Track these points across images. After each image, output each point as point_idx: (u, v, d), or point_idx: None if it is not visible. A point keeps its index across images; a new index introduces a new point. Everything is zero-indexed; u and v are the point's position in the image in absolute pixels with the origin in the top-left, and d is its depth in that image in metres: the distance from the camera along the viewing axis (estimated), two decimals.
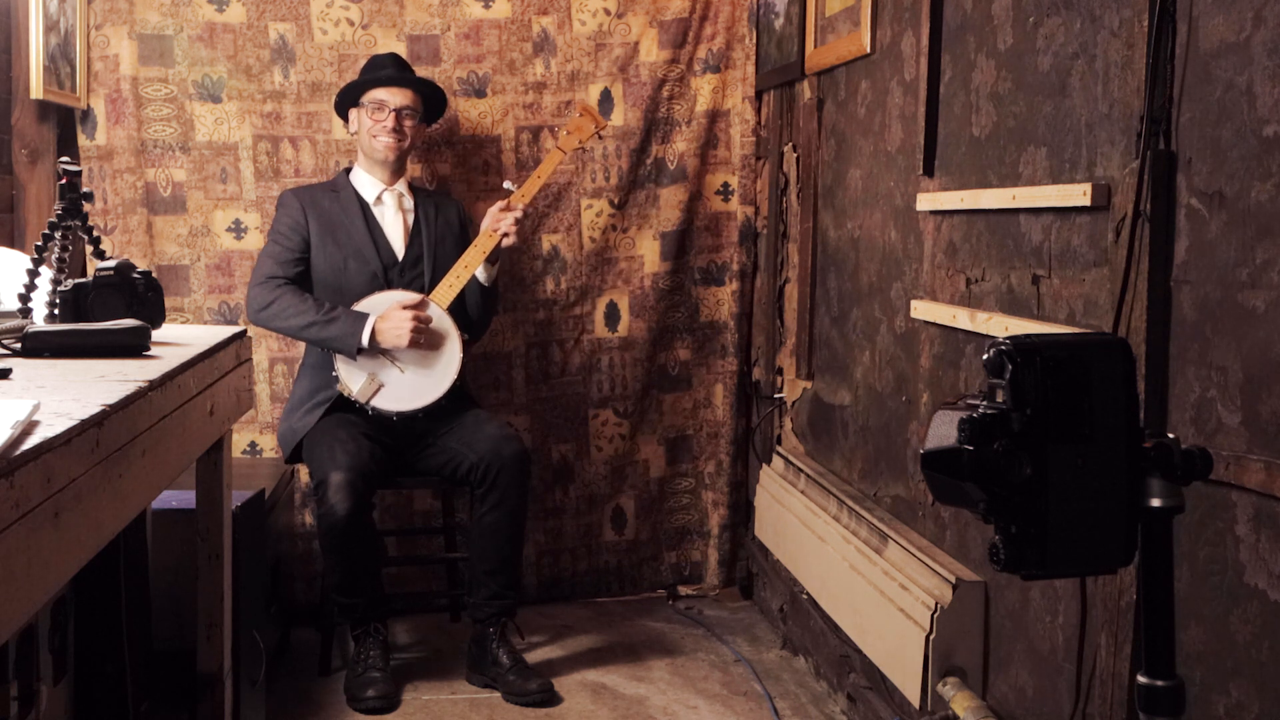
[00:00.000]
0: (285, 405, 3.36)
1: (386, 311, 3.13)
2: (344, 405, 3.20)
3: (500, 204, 3.26)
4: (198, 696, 2.30)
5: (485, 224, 3.27)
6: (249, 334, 2.37)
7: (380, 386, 3.14)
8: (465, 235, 3.43)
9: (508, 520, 3.18)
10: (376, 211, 3.33)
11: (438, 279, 3.27)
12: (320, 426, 3.16)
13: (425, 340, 3.15)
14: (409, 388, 3.17)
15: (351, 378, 3.14)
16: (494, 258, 3.29)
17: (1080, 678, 1.95)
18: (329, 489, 3.00)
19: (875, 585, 2.59)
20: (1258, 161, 1.55)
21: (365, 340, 3.09)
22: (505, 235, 3.24)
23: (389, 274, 3.29)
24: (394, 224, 3.35)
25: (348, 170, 3.41)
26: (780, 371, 3.71)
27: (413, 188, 3.44)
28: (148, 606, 2.53)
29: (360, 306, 3.18)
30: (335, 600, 3.13)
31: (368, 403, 3.13)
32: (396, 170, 3.36)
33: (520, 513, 3.22)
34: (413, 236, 3.35)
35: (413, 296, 3.18)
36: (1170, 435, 1.27)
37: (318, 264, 3.27)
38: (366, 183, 3.36)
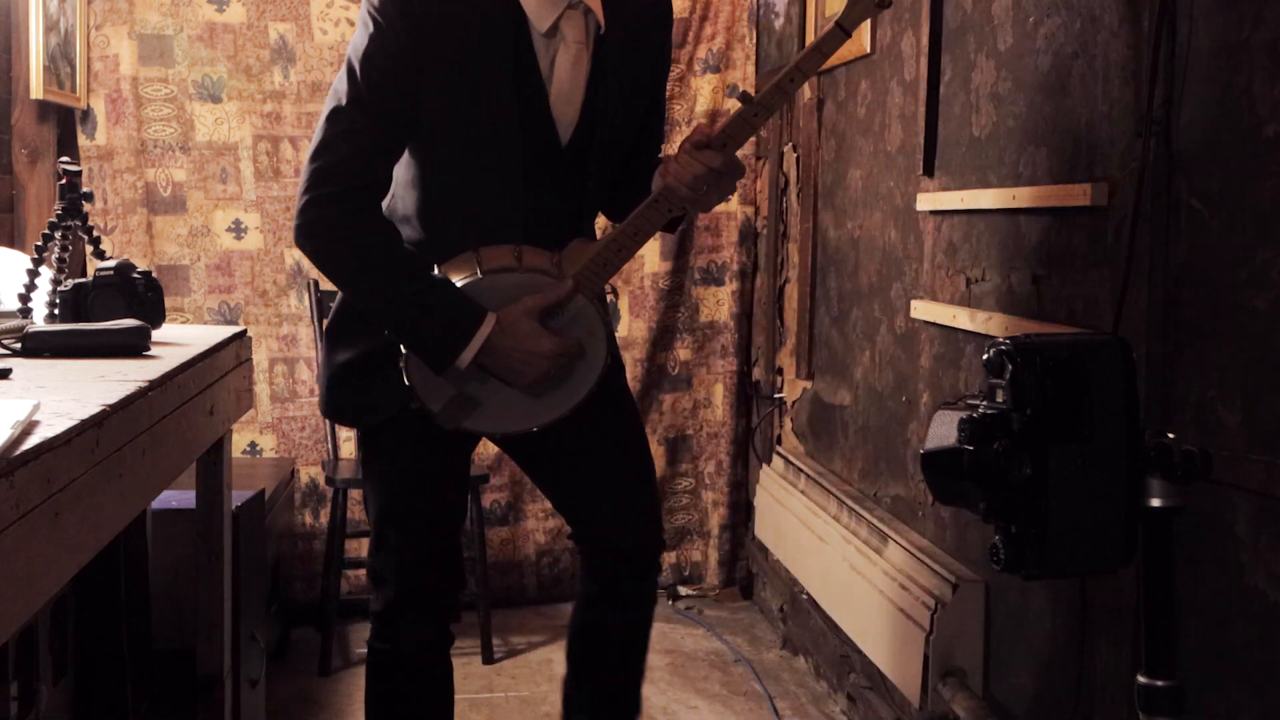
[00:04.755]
0: (323, 353, 2.02)
1: (508, 322, 1.84)
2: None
3: (703, 131, 1.86)
4: (198, 696, 2.30)
5: (671, 180, 1.87)
6: (249, 334, 2.37)
7: (474, 408, 1.92)
8: (659, 86, 2.11)
9: (629, 632, 2.12)
10: (545, 50, 1.88)
11: (604, 173, 2.00)
12: (387, 458, 1.99)
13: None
14: (520, 405, 1.93)
15: (431, 390, 1.89)
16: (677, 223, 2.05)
17: (1080, 678, 1.95)
18: (400, 609, 1.98)
19: (875, 585, 2.59)
20: (1258, 161, 1.55)
21: (466, 362, 1.85)
22: (694, 192, 1.86)
23: (534, 167, 1.90)
24: (569, 76, 1.90)
25: None
26: (780, 371, 3.71)
27: None
28: (148, 606, 2.53)
29: (466, 281, 1.85)
30: None
31: (454, 427, 1.93)
32: None
33: (646, 621, 2.14)
34: (590, 97, 1.92)
35: (552, 290, 1.88)
36: (1170, 435, 1.28)
37: (421, 146, 1.90)
38: None
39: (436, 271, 1.88)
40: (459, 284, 1.86)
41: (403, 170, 1.91)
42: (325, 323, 2.02)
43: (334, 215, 1.81)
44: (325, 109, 1.83)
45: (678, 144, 2.45)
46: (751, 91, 1.90)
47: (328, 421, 3.43)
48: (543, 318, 1.87)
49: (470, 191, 1.91)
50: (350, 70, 1.83)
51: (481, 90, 1.84)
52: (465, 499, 2.10)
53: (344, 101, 1.81)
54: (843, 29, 1.83)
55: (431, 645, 2.02)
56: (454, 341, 1.83)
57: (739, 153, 1.91)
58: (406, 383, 1.88)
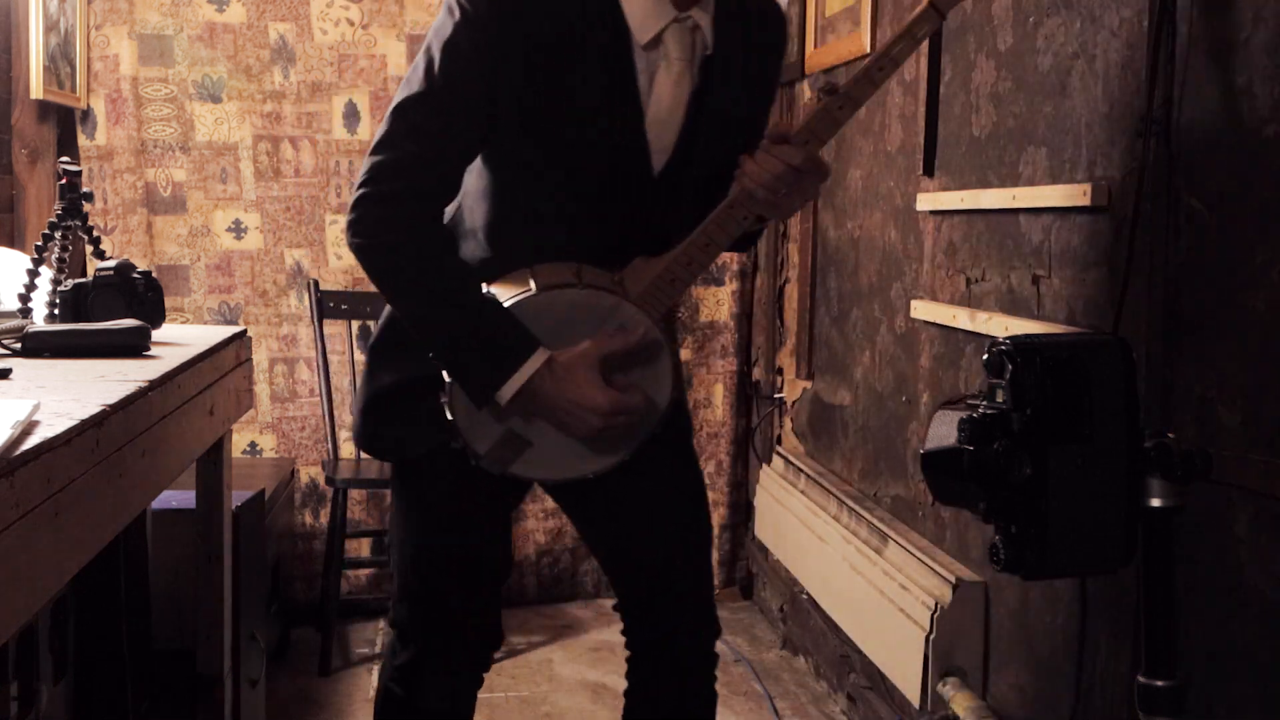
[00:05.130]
0: (363, 375, 1.82)
1: (560, 366, 1.61)
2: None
3: (783, 126, 1.65)
4: (198, 696, 2.30)
5: (747, 181, 1.63)
6: (249, 334, 2.37)
7: (523, 448, 1.69)
8: (762, 115, 1.84)
9: (668, 655, 1.85)
10: (645, 65, 1.64)
11: (696, 209, 1.70)
12: (419, 496, 1.80)
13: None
14: (574, 448, 1.69)
15: (477, 429, 1.67)
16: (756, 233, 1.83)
17: (1080, 678, 1.95)
18: (424, 671, 1.80)
19: (875, 585, 2.59)
20: (1258, 161, 1.55)
21: (507, 398, 1.61)
22: (772, 194, 1.63)
23: (619, 193, 1.69)
24: (669, 96, 1.67)
25: None
26: (780, 371, 3.71)
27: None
28: (148, 606, 2.53)
29: (519, 297, 1.62)
30: None
31: (501, 472, 1.70)
32: None
33: (711, 692, 1.88)
34: (688, 122, 1.69)
35: (621, 336, 1.63)
36: (1170, 435, 1.27)
37: (497, 156, 1.68)
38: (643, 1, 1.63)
39: (486, 288, 1.64)
40: (510, 301, 1.61)
41: (474, 179, 1.69)
42: (369, 341, 1.79)
43: (388, 216, 1.58)
44: (395, 99, 1.61)
45: None
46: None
47: (328, 421, 3.43)
48: (605, 367, 1.62)
49: (546, 211, 1.69)
50: (429, 58, 1.59)
51: (571, 100, 1.62)
52: (508, 551, 1.88)
53: (417, 91, 1.59)
54: (937, 10, 1.65)
55: (457, 698, 1.84)
56: (496, 373, 1.59)
57: None
58: (449, 418, 1.64)
